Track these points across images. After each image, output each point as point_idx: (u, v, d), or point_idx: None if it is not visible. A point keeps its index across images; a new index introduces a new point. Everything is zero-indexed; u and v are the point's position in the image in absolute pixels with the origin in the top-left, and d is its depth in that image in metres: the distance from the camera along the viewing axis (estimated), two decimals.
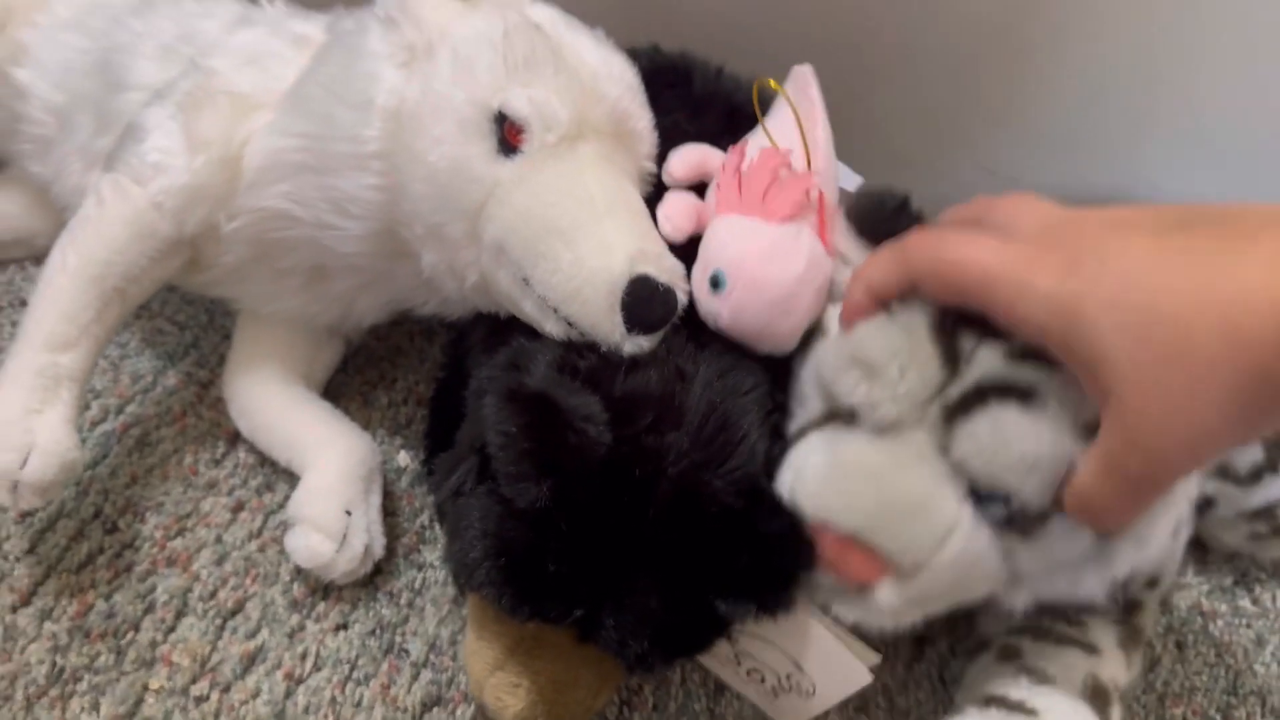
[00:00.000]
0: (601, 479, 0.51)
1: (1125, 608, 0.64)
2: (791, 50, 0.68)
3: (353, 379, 0.78)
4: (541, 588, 0.51)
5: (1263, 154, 0.84)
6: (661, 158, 0.64)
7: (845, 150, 0.69)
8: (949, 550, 0.51)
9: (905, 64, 0.82)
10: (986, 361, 0.50)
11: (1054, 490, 0.48)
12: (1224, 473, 0.69)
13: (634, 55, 0.69)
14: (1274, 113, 0.81)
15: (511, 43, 0.57)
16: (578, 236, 0.54)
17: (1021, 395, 0.48)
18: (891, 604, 0.53)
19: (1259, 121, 0.82)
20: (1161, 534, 0.54)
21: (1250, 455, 0.68)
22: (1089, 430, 0.48)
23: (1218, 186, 0.86)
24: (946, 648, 0.68)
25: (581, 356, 0.55)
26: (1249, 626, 0.72)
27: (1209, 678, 0.69)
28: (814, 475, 0.53)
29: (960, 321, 0.51)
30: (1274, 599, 0.74)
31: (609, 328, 0.54)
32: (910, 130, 0.86)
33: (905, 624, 0.56)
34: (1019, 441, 0.48)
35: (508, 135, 0.56)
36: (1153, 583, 0.64)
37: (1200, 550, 0.76)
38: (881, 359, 0.51)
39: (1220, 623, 0.72)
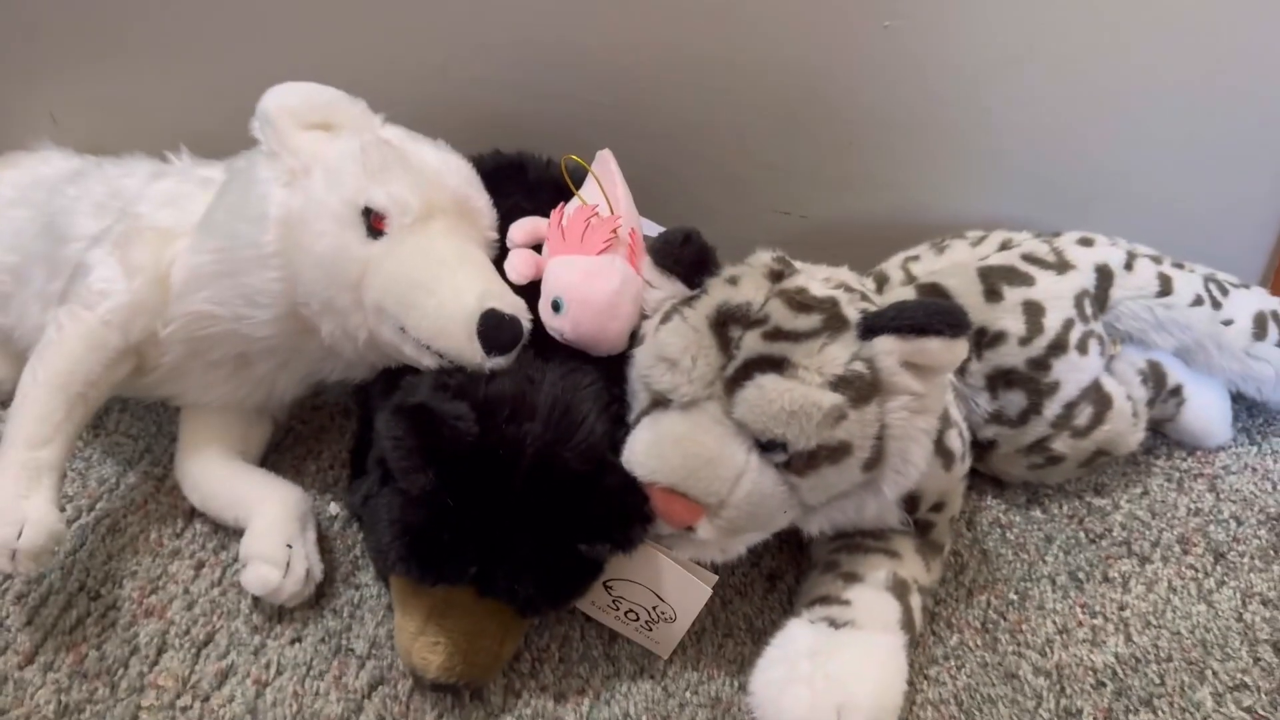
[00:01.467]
0: (474, 462, 0.67)
1: (920, 529, 0.80)
2: (603, 139, 0.87)
3: (284, 456, 0.93)
4: (440, 554, 0.67)
5: (1033, 179, 1.04)
6: (504, 230, 0.82)
7: (657, 211, 0.87)
8: (742, 489, 0.67)
9: (699, 137, 1.02)
10: (750, 344, 0.67)
11: (816, 433, 0.65)
12: (999, 418, 0.86)
13: (480, 158, 0.88)
14: (1037, 140, 1.01)
15: (368, 154, 0.75)
16: (437, 287, 0.71)
17: (776, 365, 0.66)
18: (710, 536, 0.68)
19: (1022, 150, 1.03)
20: (919, 463, 0.70)
21: (1017, 401, 0.85)
22: (834, 385, 0.65)
23: (982, 207, 1.07)
24: (793, 580, 0.83)
25: (451, 377, 0.71)
26: (1039, 530, 0.88)
27: (1008, 570, 0.84)
28: (640, 446, 0.69)
29: (730, 318, 0.68)
30: (1060, 507, 0.91)
31: (471, 353, 0.71)
32: (710, 188, 1.06)
33: (731, 557, 0.72)
34: (778, 398, 0.64)
35: (374, 223, 0.73)
36: (938, 507, 0.80)
37: (999, 485, 0.93)
38: (678, 353, 0.68)
39: (1015, 530, 0.88)
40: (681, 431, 0.67)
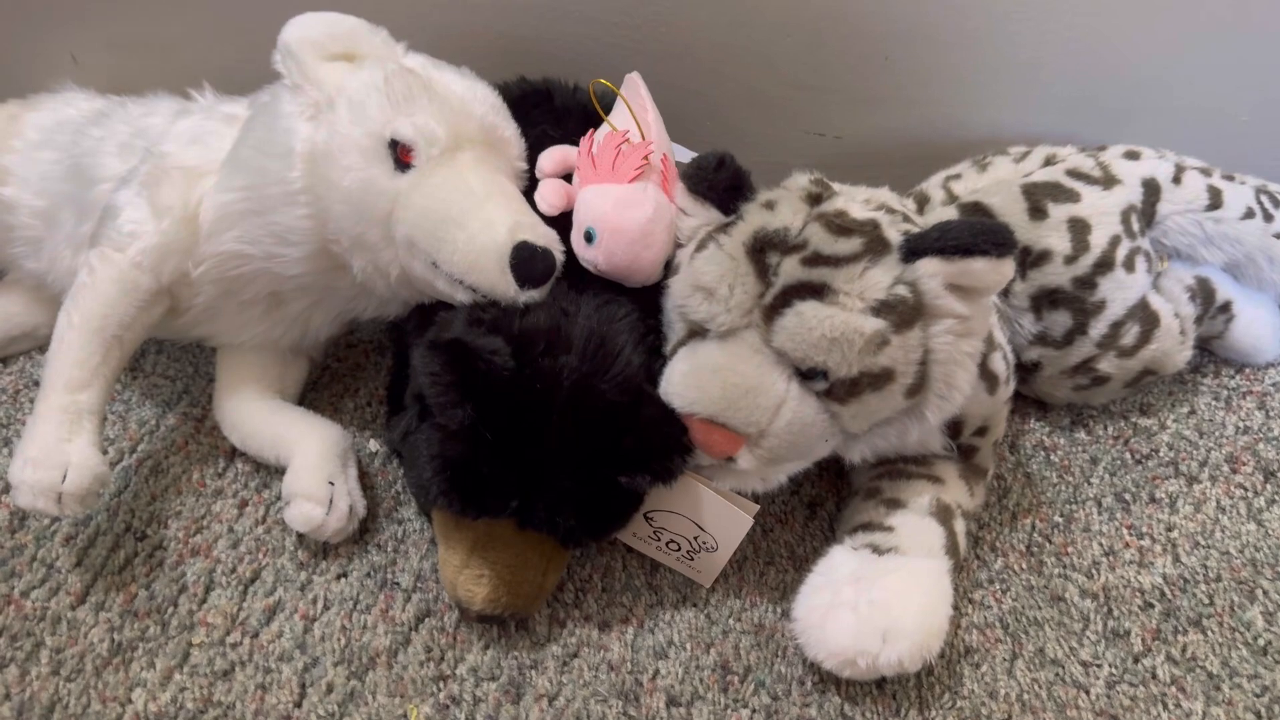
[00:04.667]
0: (511, 395, 0.66)
1: (963, 453, 0.79)
2: (628, 62, 0.85)
3: (322, 394, 0.93)
4: (481, 487, 0.67)
5: (1072, 91, 1.00)
6: (534, 160, 0.80)
7: (686, 136, 0.85)
8: (783, 418, 0.66)
9: (727, 57, 0.99)
10: (788, 270, 0.65)
11: (858, 360, 0.63)
12: (1043, 339, 0.84)
13: (505, 85, 0.85)
14: (1075, 50, 0.97)
15: (392, 85, 0.73)
16: (467, 220, 0.70)
17: (816, 291, 0.64)
18: (750, 466, 0.68)
19: (1060, 60, 0.99)
20: (963, 388, 0.68)
21: (1062, 321, 0.83)
22: (876, 310, 0.63)
23: (1021, 122, 1.03)
24: (834, 507, 0.82)
25: (485, 311, 0.70)
26: (1084, 451, 0.87)
27: (1052, 493, 0.83)
28: (678, 377, 0.68)
29: (767, 244, 0.66)
30: (1105, 428, 0.89)
31: (504, 287, 0.70)
32: (740, 111, 1.03)
33: (773, 486, 0.71)
34: (819, 325, 0.63)
35: (400, 155, 0.71)
36: (982, 431, 0.79)
37: (1043, 407, 0.91)
38: (714, 282, 0.67)
39: (1060, 453, 0.87)
40: (720, 361, 0.66)
